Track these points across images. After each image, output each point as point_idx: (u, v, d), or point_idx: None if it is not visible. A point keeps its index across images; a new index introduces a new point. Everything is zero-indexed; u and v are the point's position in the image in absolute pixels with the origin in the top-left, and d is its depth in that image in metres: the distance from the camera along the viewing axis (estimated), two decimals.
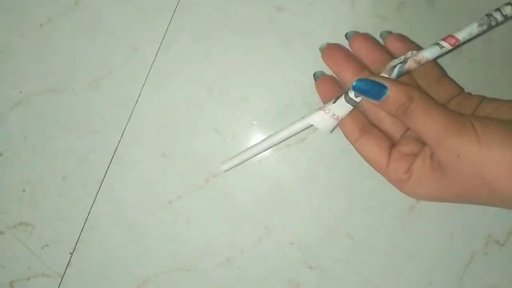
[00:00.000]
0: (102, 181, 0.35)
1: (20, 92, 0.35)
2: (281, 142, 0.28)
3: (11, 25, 0.35)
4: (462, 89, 0.27)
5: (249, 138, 0.34)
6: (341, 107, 0.25)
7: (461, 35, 0.24)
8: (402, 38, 0.27)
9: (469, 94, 0.26)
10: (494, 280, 0.35)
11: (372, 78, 0.23)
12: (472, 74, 0.34)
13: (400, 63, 0.24)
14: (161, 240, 0.35)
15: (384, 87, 0.22)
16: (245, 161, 0.29)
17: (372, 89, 0.22)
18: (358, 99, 0.24)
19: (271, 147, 0.29)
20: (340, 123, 0.26)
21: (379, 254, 0.35)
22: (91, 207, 0.35)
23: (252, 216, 0.35)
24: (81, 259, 0.35)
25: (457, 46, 0.24)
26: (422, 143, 0.25)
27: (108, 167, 0.35)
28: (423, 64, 0.24)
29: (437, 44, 0.24)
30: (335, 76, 0.28)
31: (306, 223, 0.35)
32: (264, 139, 0.29)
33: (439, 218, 0.35)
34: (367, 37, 0.27)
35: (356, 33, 0.27)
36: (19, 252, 0.36)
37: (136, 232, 0.35)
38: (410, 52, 0.24)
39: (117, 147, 0.35)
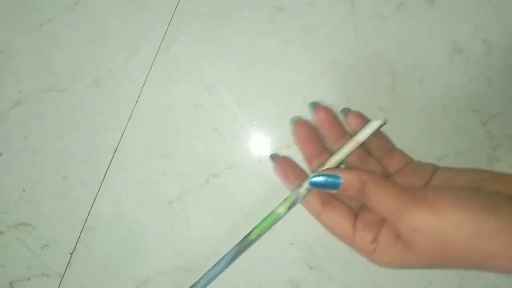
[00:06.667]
0: (102, 181, 0.35)
1: (20, 92, 0.35)
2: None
3: (11, 25, 0.35)
4: (412, 159, 0.28)
5: (249, 138, 0.34)
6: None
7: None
8: (361, 115, 0.28)
9: (419, 162, 0.27)
10: (494, 280, 0.35)
11: (325, 172, 0.24)
12: (472, 74, 0.34)
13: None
14: (161, 240, 0.35)
15: (338, 178, 0.23)
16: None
17: (328, 182, 0.24)
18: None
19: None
20: (302, 199, 0.27)
21: None
22: (91, 207, 0.35)
23: (252, 216, 0.35)
24: (81, 259, 0.35)
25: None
26: None
27: (108, 167, 0.35)
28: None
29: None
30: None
31: (306, 223, 0.35)
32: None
33: None
34: (328, 111, 0.28)
35: (319, 105, 0.28)
36: (19, 252, 0.36)
37: (136, 232, 0.35)
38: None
39: (117, 147, 0.35)
